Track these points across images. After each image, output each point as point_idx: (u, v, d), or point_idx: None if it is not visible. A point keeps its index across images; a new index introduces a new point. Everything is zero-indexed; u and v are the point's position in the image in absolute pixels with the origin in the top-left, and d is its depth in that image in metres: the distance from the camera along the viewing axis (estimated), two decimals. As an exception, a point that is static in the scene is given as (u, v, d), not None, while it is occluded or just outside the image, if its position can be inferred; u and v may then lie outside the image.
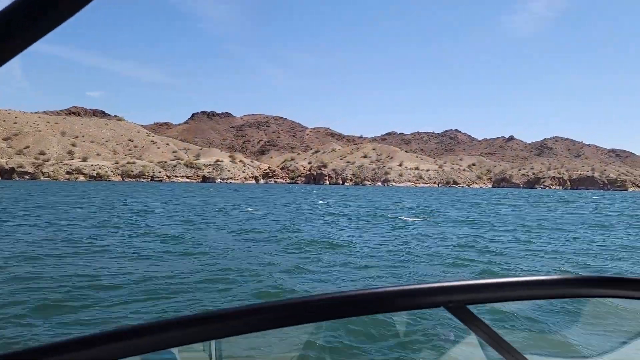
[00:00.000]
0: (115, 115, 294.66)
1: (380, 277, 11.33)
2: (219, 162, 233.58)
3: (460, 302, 1.02)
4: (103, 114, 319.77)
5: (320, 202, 54.40)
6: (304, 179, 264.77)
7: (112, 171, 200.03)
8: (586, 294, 1.11)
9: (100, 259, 13.18)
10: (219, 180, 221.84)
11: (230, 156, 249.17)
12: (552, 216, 37.68)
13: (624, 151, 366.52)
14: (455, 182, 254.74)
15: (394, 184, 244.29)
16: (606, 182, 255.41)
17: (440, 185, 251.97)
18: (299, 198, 65.14)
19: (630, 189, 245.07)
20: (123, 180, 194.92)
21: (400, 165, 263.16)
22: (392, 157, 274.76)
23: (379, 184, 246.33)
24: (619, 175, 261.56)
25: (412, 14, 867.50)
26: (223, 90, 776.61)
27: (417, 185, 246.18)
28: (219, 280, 10.60)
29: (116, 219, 26.54)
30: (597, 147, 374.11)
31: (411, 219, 30.98)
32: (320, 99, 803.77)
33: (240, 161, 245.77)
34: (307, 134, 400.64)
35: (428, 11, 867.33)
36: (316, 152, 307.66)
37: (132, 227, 22.13)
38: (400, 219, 31.23)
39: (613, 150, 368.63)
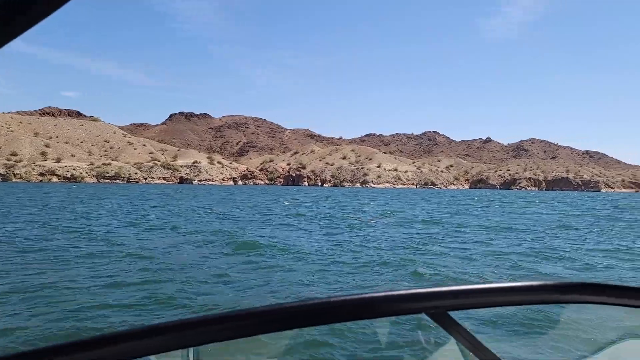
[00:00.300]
0: (91, 116, 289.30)
1: (301, 282, 10.71)
2: (196, 164, 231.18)
3: (441, 309, 1.02)
4: (78, 115, 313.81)
5: (287, 203, 53.77)
6: (283, 180, 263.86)
7: (86, 172, 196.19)
8: (565, 299, 1.12)
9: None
10: (196, 181, 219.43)
11: (208, 157, 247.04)
12: (514, 217, 37.64)
13: (598, 153, 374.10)
14: (433, 184, 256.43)
15: (372, 185, 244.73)
16: (580, 183, 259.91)
17: (418, 186, 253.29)
18: (270, 199, 64.41)
19: (603, 190, 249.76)
20: (98, 181, 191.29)
21: (378, 166, 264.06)
22: (370, 159, 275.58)
23: (358, 185, 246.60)
24: (593, 176, 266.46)
25: (391, 17, 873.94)
26: (202, 91, 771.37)
27: (396, 186, 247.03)
28: (132, 284, 9.89)
29: (55, 221, 25.47)
30: (571, 148, 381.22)
31: (372, 220, 30.53)
32: (300, 101, 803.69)
33: (219, 162, 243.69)
34: (287, 136, 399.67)
35: (407, 15, 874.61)
36: (295, 153, 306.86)
37: (66, 229, 21.15)
38: (360, 220, 30.76)
39: (587, 152, 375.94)
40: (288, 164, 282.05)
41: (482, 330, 6.44)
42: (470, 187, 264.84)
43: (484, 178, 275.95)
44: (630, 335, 1.78)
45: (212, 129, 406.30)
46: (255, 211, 38.02)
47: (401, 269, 12.62)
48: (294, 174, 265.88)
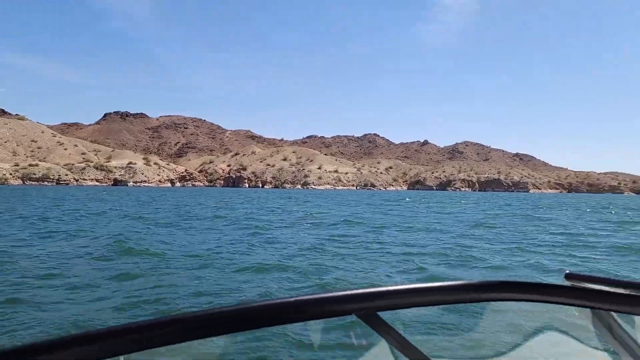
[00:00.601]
0: (16, 114, 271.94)
1: (148, 290, 9.72)
2: (131, 165, 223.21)
3: (370, 309, 1.03)
4: (3, 113, 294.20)
5: (213, 205, 52.25)
6: (223, 181, 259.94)
7: (10, 174, 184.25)
8: (488, 298, 1.17)
9: None
10: (131, 183, 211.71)
11: (144, 158, 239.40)
12: (438, 217, 38.18)
13: (527, 155, 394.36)
14: (373, 185, 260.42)
15: (313, 186, 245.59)
16: (510, 184, 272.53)
17: (358, 187, 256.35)
18: (199, 201, 62.46)
19: (531, 191, 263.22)
20: (24, 183, 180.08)
21: (319, 168, 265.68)
22: (312, 160, 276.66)
23: (299, 186, 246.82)
24: (522, 177, 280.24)
25: (331, 21, 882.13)
26: (138, 90, 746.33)
27: (337, 187, 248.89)
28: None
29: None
30: (503, 151, 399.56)
31: (287, 223, 29.79)
32: (241, 101, 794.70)
33: (155, 164, 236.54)
34: (227, 137, 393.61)
35: (346, 17, 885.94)
36: (236, 154, 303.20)
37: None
38: (271, 221, 30.02)
39: (517, 155, 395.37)
40: (228, 166, 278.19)
41: (412, 330, 6.55)
42: (408, 189, 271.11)
43: (422, 179, 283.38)
44: (547, 328, 1.89)
45: (149, 129, 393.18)
46: (173, 213, 36.35)
47: (285, 272, 11.92)
48: (234, 176, 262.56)
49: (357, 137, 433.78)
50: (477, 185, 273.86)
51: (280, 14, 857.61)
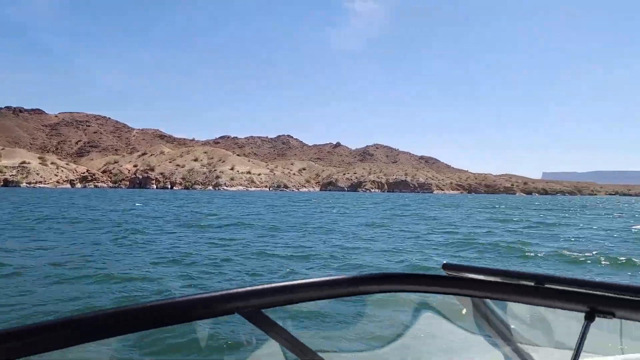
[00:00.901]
0: None
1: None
2: (25, 164, 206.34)
3: (254, 307, 1.03)
4: None
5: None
6: (128, 182, 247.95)
7: None
8: (372, 290, 1.21)
9: None
10: (24, 184, 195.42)
11: (40, 157, 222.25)
12: (337, 217, 38.69)
13: (432, 158, 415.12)
14: (286, 186, 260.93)
15: (225, 187, 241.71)
16: (416, 185, 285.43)
17: (271, 189, 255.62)
18: (81, 203, 58.68)
19: (435, 192, 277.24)
20: None
21: (232, 169, 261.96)
22: (224, 161, 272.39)
23: (210, 188, 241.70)
24: (427, 179, 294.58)
25: (245, 22, 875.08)
26: (33, 85, 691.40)
27: (249, 189, 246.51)
28: None
29: None
30: (410, 154, 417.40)
31: (169, 226, 28.47)
32: (150, 99, 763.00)
33: (53, 163, 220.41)
34: (134, 135, 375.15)
35: (261, 20, 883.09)
36: (143, 154, 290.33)
37: None
38: (144, 224, 28.74)
39: (423, 157, 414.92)
40: (135, 166, 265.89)
41: (300, 326, 6.55)
42: (321, 190, 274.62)
43: (334, 181, 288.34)
44: (427, 317, 2.00)
45: (46, 126, 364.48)
46: (26, 217, 33.07)
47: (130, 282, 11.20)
48: (141, 176, 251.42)
49: (271, 138, 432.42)
50: (386, 186, 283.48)
51: (194, 15, 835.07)
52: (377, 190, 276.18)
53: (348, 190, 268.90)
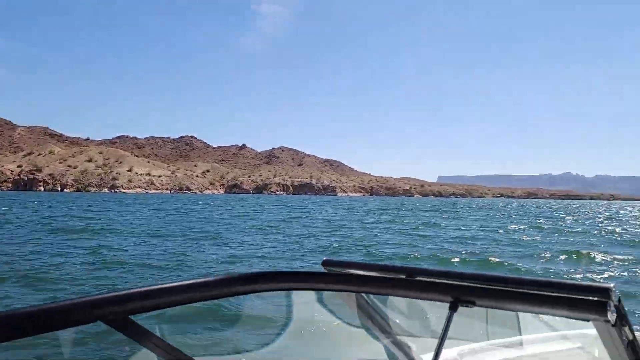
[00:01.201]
0: None
1: None
2: None
3: (121, 314, 0.97)
4: None
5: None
6: (10, 185, 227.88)
7: None
8: (251, 289, 1.20)
9: None
10: None
11: None
12: (229, 221, 37.81)
13: (336, 161, 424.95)
14: (189, 188, 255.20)
15: (122, 190, 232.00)
16: (321, 187, 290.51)
17: (172, 191, 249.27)
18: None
19: (339, 194, 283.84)
20: None
21: (130, 170, 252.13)
22: (121, 162, 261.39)
23: (106, 190, 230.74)
24: (331, 182, 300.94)
25: (149, 25, 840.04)
26: None
27: (149, 191, 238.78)
28: None
29: None
30: (315, 157, 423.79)
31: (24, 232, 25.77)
32: (37, 95, 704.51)
33: None
34: (19, 134, 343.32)
35: (167, 23, 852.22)
36: (30, 154, 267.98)
37: None
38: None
39: (328, 160, 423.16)
40: (19, 166, 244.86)
41: (177, 331, 5.98)
42: (225, 192, 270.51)
43: (239, 183, 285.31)
44: (309, 314, 1.91)
45: None
46: None
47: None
48: (25, 178, 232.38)
49: (174, 139, 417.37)
50: (291, 188, 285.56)
51: (96, 8, 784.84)
52: (282, 192, 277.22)
53: (253, 193, 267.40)
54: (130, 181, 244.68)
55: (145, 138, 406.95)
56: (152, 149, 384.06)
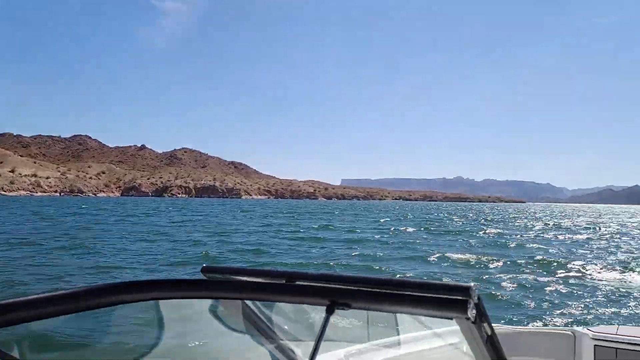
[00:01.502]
0: None
1: None
2: None
3: None
4: None
5: None
6: None
7: None
8: (120, 300, 1.12)
9: None
10: None
11: None
12: (97, 228, 36.10)
13: (241, 164, 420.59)
14: (81, 191, 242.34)
15: (2, 192, 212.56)
16: (225, 190, 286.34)
17: (63, 193, 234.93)
18: None
19: (243, 197, 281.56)
20: None
21: (12, 171, 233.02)
22: (2, 162, 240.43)
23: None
24: (236, 184, 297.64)
25: (40, 13, 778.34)
26: None
27: (35, 194, 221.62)
28: None
29: None
30: (220, 159, 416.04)
31: None
32: None
33: None
34: None
35: (63, 14, 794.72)
36: None
37: None
38: None
39: (232, 162, 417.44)
40: None
41: (40, 348, 5.32)
42: (122, 195, 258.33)
43: (137, 185, 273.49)
44: (188, 323, 1.82)
45: None
46: None
47: None
48: None
49: (65, 138, 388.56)
50: (194, 191, 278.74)
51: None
52: (184, 195, 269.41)
53: (153, 196, 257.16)
54: (12, 183, 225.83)
55: (31, 137, 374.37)
56: (40, 148, 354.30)
